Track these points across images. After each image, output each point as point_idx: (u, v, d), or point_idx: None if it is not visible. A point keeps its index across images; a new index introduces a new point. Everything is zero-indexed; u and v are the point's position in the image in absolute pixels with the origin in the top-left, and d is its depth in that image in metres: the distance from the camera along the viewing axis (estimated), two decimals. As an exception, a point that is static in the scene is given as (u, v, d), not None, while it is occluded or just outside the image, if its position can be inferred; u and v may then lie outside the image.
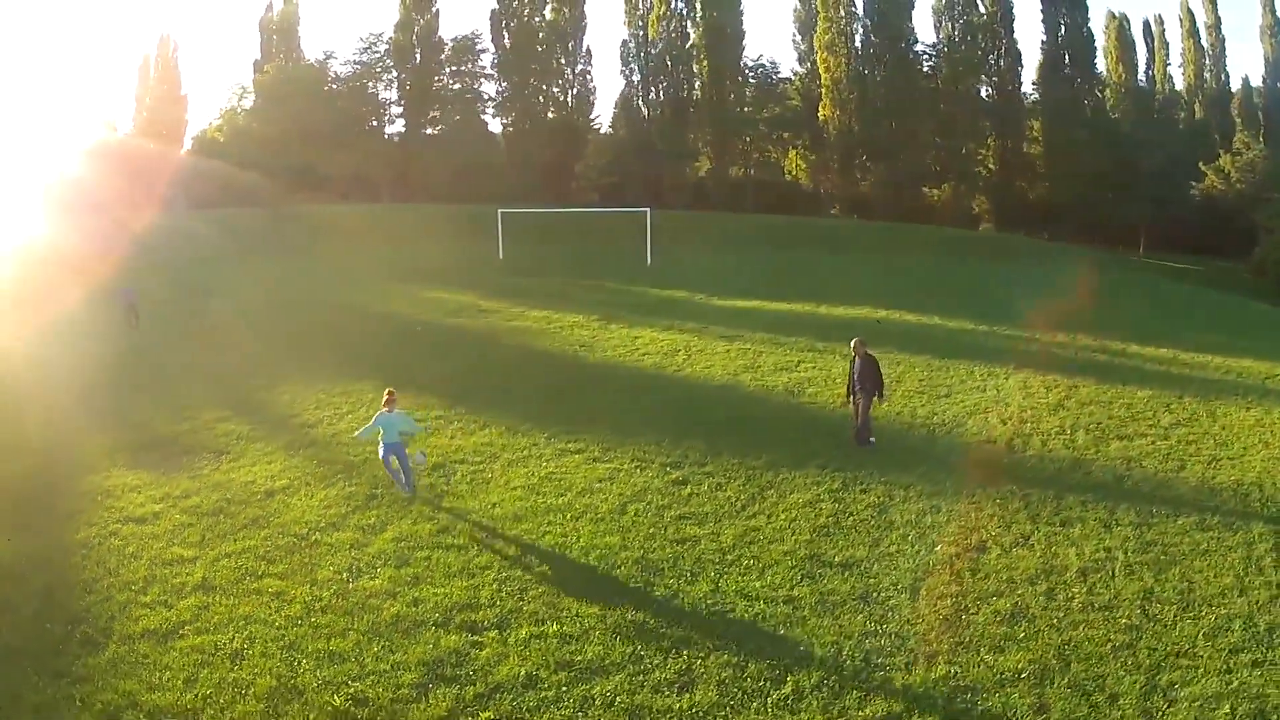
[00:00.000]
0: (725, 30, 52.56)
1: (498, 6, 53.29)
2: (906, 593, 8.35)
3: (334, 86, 51.70)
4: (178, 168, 47.02)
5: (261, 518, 9.68)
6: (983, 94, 54.23)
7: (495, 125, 56.24)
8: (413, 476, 10.77)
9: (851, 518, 10.19)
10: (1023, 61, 54.16)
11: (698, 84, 53.75)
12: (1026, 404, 14.94)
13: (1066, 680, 6.94)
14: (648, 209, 34.31)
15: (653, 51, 53.19)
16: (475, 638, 7.34)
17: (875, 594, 8.35)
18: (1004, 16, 53.11)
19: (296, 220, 42.81)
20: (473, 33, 55.58)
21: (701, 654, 7.23)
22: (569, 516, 10.08)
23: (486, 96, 55.17)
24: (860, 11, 51.55)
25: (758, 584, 8.49)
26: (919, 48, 53.20)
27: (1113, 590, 8.42)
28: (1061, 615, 7.97)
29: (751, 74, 57.06)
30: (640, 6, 53.77)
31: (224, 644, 7.08)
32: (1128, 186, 48.34)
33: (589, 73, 55.04)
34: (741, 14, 54.27)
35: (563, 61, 53.90)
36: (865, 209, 52.01)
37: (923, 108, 50.78)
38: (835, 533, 9.76)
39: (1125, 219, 49.26)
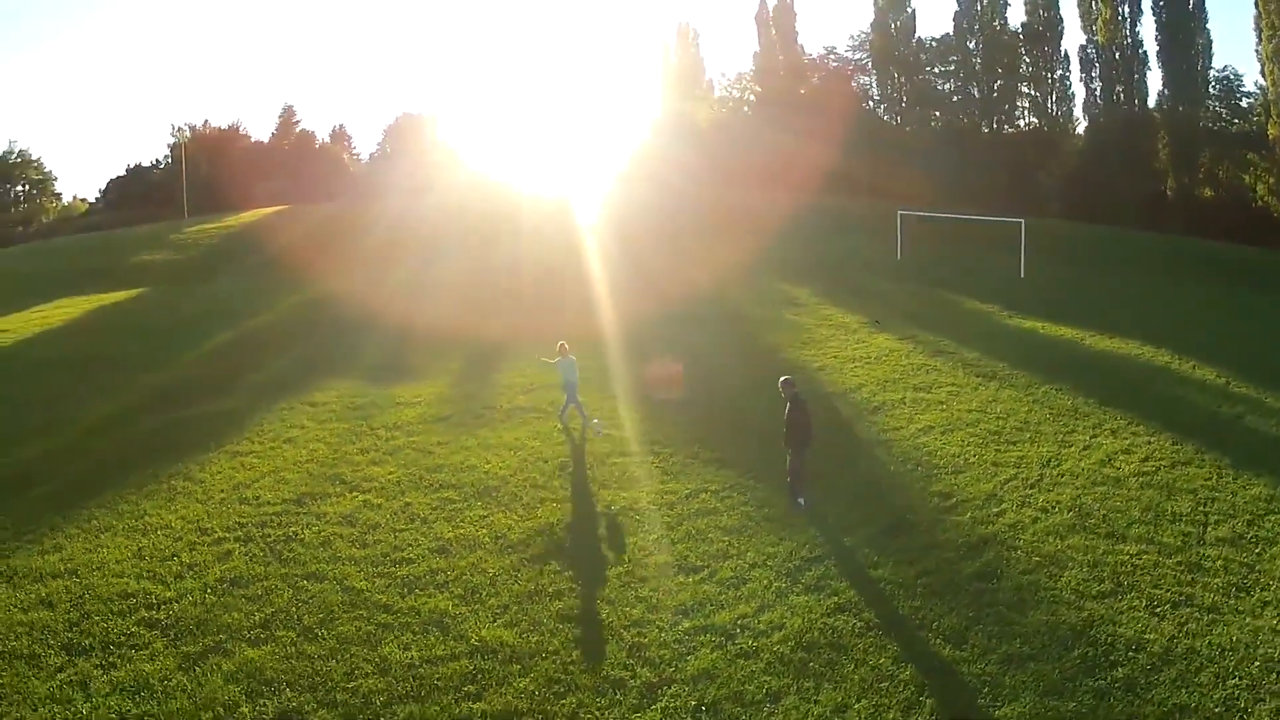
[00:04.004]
0: (1184, 36, 44.94)
1: (959, 8, 52.93)
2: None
3: (819, 81, 55.96)
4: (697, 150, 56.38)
5: (372, 415, 16.21)
6: None
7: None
8: (569, 410, 15.36)
9: (645, 510, 12.02)
10: None
11: (1154, 94, 48.32)
12: (1077, 467, 12.68)
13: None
14: (1021, 220, 32.33)
15: (1107, 58, 48.45)
16: (357, 495, 12.48)
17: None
18: None
19: (756, 209, 48.41)
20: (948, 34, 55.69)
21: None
22: (521, 453, 14.13)
23: (958, 98, 54.34)
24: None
25: (502, 517, 11.74)
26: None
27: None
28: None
29: (1216, 85, 46.92)
30: (1093, 10, 48.98)
31: (259, 464, 13.67)
32: None
33: (1068, 78, 51.97)
34: (1204, 19, 45.16)
35: (1039, 65, 51.69)
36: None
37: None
38: (622, 519, 11.87)
39: None
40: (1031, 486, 12.26)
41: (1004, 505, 11.77)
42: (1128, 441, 13.60)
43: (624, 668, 8.61)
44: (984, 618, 9.21)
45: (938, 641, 8.87)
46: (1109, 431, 14.05)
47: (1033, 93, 53.56)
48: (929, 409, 15.77)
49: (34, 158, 75.39)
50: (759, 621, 9.33)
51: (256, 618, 9.28)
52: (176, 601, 9.44)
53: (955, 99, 55.06)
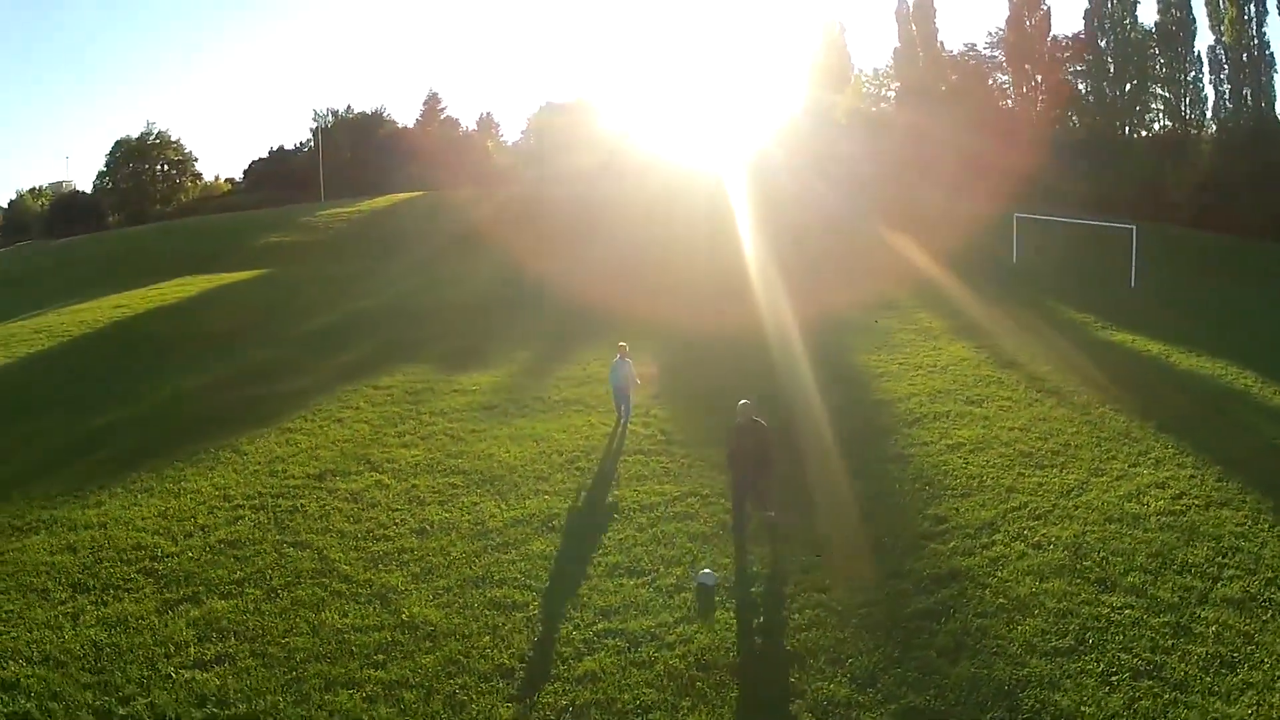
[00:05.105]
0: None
1: (1089, 6, 50.28)
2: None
3: (957, 79, 53.88)
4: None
5: (425, 401, 17.47)
6: None
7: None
8: (629, 412, 15.55)
9: (628, 508, 12.23)
10: None
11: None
12: (1099, 499, 11.44)
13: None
14: (1133, 227, 29.67)
15: (1234, 59, 45.67)
16: (373, 475, 13.67)
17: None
18: None
19: (890, 204, 45.60)
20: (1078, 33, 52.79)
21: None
22: (542, 445, 14.76)
23: (1092, 98, 51.17)
24: None
25: (491, 505, 12.43)
26: None
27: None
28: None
29: None
30: (1220, 8, 45.72)
31: (302, 441, 15.17)
32: None
33: (1200, 80, 48.43)
34: None
35: (1173, 66, 48.92)
36: None
37: None
38: (602, 516, 12.22)
39: None
40: (1037, 518, 11.09)
41: (996, 536, 10.76)
42: (1168, 473, 11.95)
43: (520, 659, 8.96)
44: (907, 661, 8.56)
45: (843, 680, 8.35)
46: (1152, 461, 12.42)
47: (1165, 94, 50.29)
48: (970, 424, 14.60)
49: (173, 138, 78.92)
50: (672, 633, 9.30)
51: (236, 575, 10.57)
52: (177, 556, 10.97)
53: (1089, 99, 52.08)
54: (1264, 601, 8.89)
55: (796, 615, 9.48)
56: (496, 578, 10.57)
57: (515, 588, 10.34)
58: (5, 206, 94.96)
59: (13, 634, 9.14)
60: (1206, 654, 8.23)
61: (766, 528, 11.42)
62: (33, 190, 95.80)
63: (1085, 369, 17.37)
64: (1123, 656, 8.33)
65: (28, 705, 8.05)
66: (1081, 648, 8.53)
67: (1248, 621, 8.59)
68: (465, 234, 42.34)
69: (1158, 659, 8.25)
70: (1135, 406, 14.83)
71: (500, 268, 34.04)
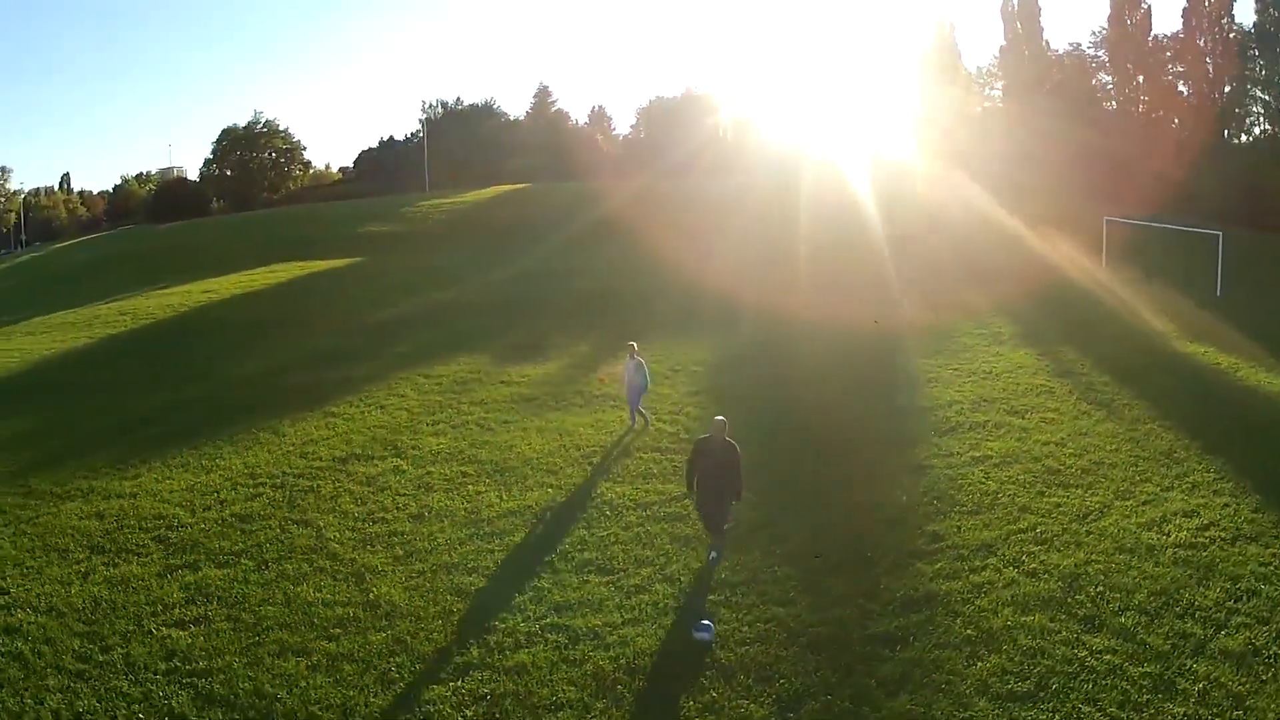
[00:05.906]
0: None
1: (1188, 5, 47.94)
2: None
3: (1061, 77, 51.56)
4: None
5: (469, 391, 18.02)
6: None
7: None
8: (641, 415, 15.23)
9: (620, 506, 12.18)
10: None
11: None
12: (1117, 525, 10.35)
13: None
14: (1219, 233, 26.87)
15: None
16: (393, 461, 14.26)
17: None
18: None
19: (992, 202, 43.13)
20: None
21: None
22: (564, 439, 14.95)
23: (1193, 99, 48.54)
24: None
25: (492, 495, 12.70)
26: None
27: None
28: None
29: None
30: None
31: (340, 425, 16.00)
32: None
33: None
34: None
35: (1271, 68, 46.00)
36: None
37: None
38: (593, 512, 12.18)
39: None
40: (1041, 542, 10.07)
41: (989, 560, 9.88)
42: (1201, 500, 10.54)
43: (461, 644, 9.13)
44: (843, 688, 8.02)
45: (766, 700, 7.95)
46: (1188, 486, 11.00)
47: (1265, 97, 47.24)
48: (1004, 436, 13.48)
49: (281, 128, 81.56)
50: (615, 633, 9.19)
51: (238, 547, 11.38)
52: (191, 526, 11.93)
53: (1190, 100, 49.37)
54: (1268, 657, 7.66)
55: (746, 628, 9.12)
56: (470, 565, 10.80)
57: (483, 576, 10.54)
58: (110, 192, 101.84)
59: (27, 586, 10.30)
60: (1184, 715, 7.19)
61: (763, 531, 11.04)
62: (139, 176, 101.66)
63: (1145, 380, 15.79)
64: (1085, 709, 7.42)
65: (23, 647, 9.07)
66: (1041, 694, 7.68)
67: (1243, 680, 7.43)
68: (567, 227, 43.07)
69: (1126, 716, 7.29)
70: (1186, 424, 13.29)
71: (596, 262, 34.51)
